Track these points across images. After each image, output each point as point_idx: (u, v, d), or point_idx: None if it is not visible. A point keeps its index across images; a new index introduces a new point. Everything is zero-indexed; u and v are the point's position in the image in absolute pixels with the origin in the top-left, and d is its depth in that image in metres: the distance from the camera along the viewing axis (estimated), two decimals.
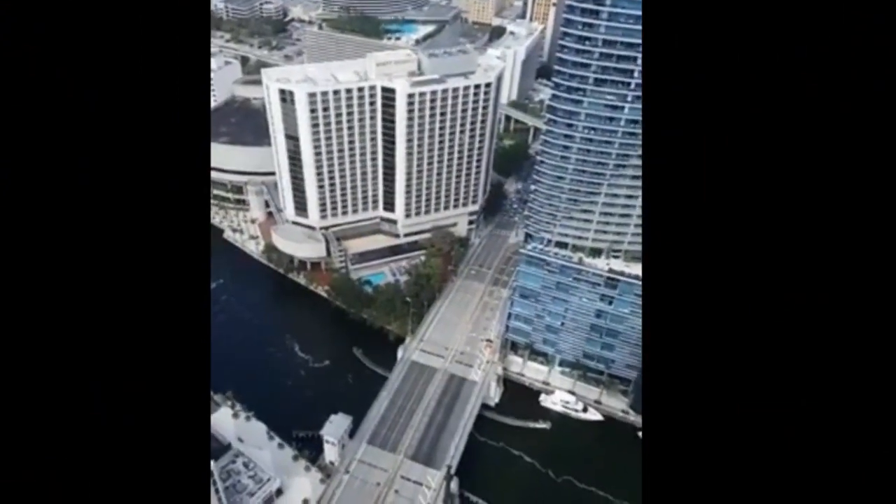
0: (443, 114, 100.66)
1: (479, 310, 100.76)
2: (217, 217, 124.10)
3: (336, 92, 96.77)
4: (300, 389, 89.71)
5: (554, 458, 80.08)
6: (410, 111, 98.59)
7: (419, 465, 75.42)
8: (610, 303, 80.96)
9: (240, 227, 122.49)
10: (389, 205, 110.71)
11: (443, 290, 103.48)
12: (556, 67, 71.69)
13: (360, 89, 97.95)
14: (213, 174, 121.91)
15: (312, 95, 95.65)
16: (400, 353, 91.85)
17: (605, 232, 79.35)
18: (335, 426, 75.65)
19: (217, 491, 65.59)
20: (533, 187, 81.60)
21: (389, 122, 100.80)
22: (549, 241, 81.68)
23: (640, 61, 65.86)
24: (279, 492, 72.51)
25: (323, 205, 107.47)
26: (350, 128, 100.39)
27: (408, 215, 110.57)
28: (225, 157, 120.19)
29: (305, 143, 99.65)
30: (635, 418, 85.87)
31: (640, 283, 77.62)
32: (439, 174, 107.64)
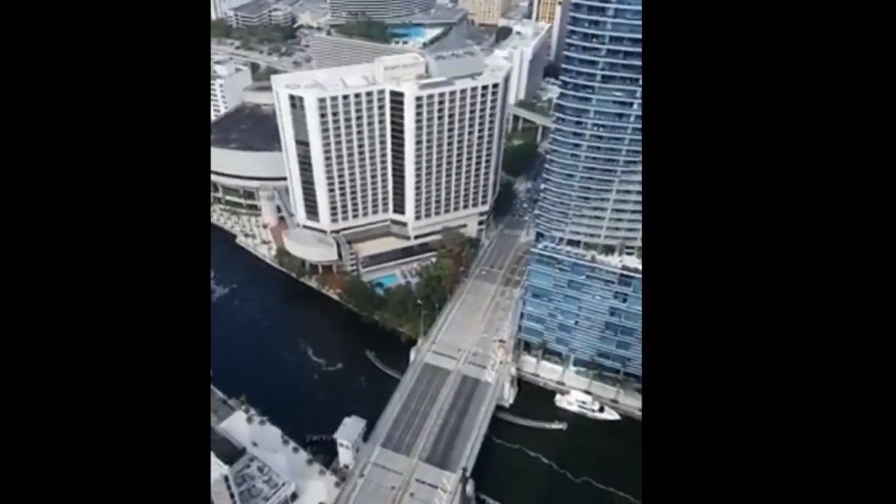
0: (451, 115, 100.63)
1: (491, 310, 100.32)
2: (229, 222, 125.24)
3: (345, 96, 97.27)
4: (314, 393, 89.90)
5: (571, 459, 79.27)
6: (419, 114, 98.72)
7: (434, 467, 75.07)
8: (624, 300, 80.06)
9: (252, 232, 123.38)
10: (399, 207, 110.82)
11: (454, 292, 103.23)
12: (564, 66, 71.18)
13: (369, 93, 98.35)
14: (225, 180, 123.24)
15: (322, 100, 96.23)
16: (412, 356, 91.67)
17: (617, 229, 78.52)
18: (349, 429, 75.65)
19: (232, 496, 65.82)
20: (543, 186, 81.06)
21: (398, 125, 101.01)
22: (561, 239, 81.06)
23: None
24: (294, 496, 72.62)
25: (334, 208, 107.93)
26: (359, 131, 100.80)
27: (418, 217, 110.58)
28: (236, 162, 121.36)
29: (315, 148, 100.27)
30: None
31: None
32: (448, 175, 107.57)
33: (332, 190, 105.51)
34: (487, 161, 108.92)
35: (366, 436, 77.21)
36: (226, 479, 64.71)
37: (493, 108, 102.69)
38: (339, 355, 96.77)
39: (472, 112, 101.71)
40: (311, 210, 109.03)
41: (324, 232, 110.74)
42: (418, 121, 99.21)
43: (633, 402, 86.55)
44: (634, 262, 78.64)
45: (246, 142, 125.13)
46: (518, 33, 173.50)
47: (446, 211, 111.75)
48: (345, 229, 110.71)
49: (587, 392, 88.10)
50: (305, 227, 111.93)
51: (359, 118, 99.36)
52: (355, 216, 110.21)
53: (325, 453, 77.95)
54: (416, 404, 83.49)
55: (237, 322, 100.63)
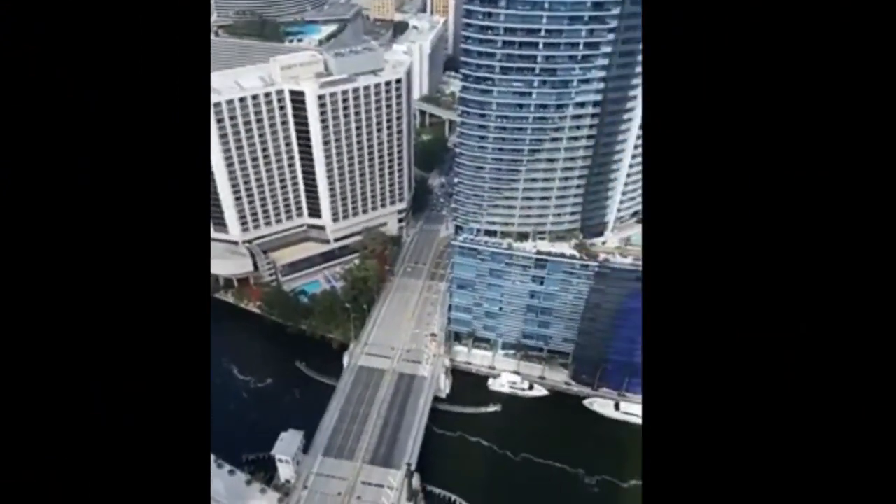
0: (357, 113, 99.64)
1: (419, 306, 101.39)
2: None
3: (242, 99, 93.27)
4: (245, 412, 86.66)
5: (509, 439, 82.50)
6: (323, 113, 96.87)
7: (379, 467, 75.41)
8: (541, 283, 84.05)
9: None
10: (315, 211, 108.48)
11: (381, 291, 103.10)
12: (463, 59, 72.69)
13: (268, 94, 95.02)
14: None
15: (217, 105, 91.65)
16: (346, 360, 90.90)
17: (528, 216, 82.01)
18: (286, 443, 73.97)
19: None
20: (456, 179, 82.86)
21: (303, 125, 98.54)
22: (479, 230, 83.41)
23: (541, 46, 68.30)
24: None
25: (243, 217, 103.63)
26: (262, 135, 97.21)
27: (335, 219, 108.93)
28: None
29: (216, 156, 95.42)
30: (578, 389, 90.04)
31: (566, 260, 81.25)
32: (362, 175, 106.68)
33: (238, 198, 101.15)
34: (400, 158, 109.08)
35: (305, 447, 75.89)
36: None
37: (398, 103, 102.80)
38: (268, 370, 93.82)
39: (377, 109, 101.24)
40: (219, 221, 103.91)
41: (235, 243, 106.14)
42: (323, 120, 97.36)
43: (558, 377, 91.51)
44: (547, 245, 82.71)
45: None
46: (415, 27, 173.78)
47: (364, 211, 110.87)
48: (258, 238, 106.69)
49: (516, 373, 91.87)
50: (214, 240, 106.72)
51: (259, 121, 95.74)
52: (268, 224, 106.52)
53: (264, 471, 75.72)
54: (355, 408, 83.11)
55: None
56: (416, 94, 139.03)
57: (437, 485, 76.72)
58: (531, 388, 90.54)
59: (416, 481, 73.93)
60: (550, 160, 77.00)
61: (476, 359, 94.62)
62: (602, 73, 70.49)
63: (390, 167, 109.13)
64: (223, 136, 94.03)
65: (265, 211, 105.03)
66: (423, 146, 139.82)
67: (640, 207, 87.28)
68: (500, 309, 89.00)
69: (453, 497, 75.63)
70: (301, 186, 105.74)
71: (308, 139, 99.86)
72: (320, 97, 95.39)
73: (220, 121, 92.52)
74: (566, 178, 79.09)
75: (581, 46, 68.40)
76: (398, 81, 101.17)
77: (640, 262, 79.02)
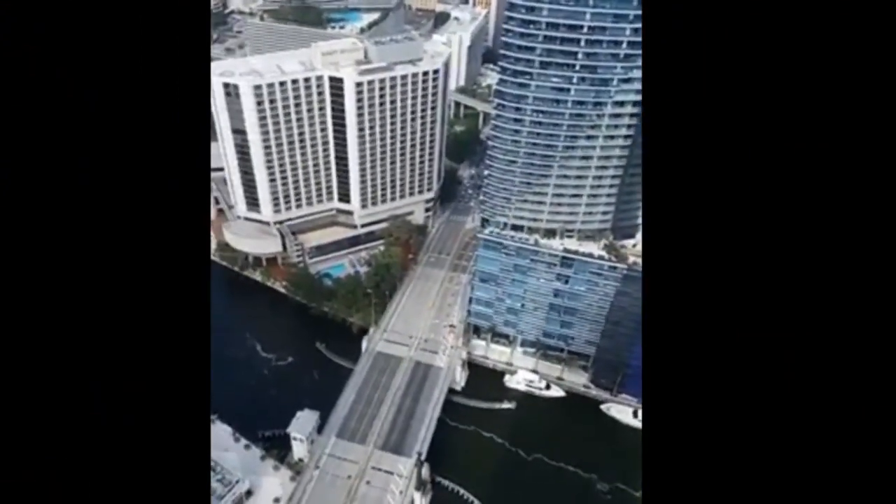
0: (392, 102, 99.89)
1: (440, 296, 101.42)
2: None
3: (282, 83, 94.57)
4: (264, 389, 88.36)
5: (523, 437, 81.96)
6: (360, 100, 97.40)
7: (389, 454, 75.89)
8: (566, 282, 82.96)
9: None
10: (344, 196, 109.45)
11: (403, 279, 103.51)
12: (502, 52, 72.10)
13: (307, 80, 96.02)
14: None
15: (258, 88, 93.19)
16: (364, 345, 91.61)
17: (558, 213, 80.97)
18: (302, 423, 75.09)
19: None
20: (486, 172, 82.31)
21: (339, 111, 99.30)
22: (505, 224, 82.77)
23: (583, 43, 67.16)
24: (249, 493, 71.63)
25: (276, 199, 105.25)
26: (299, 119, 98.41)
27: (364, 205, 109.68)
28: None
29: (254, 137, 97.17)
30: (596, 392, 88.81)
31: (594, 261, 79.97)
32: (393, 163, 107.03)
33: (273, 180, 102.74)
34: (431, 148, 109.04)
35: (320, 428, 76.91)
36: None
37: (434, 93, 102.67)
38: (289, 349, 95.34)
39: (413, 98, 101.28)
40: (252, 201, 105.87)
41: (266, 223, 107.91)
42: (359, 107, 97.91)
43: (576, 379, 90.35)
44: (575, 244, 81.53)
45: None
46: (456, 19, 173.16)
47: (392, 199, 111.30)
48: (288, 220, 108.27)
49: (534, 371, 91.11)
50: (246, 219, 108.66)
51: (297, 105, 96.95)
52: (299, 206, 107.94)
53: (279, 448, 77.11)
54: (370, 393, 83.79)
55: None
56: (452, 85, 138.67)
57: (446, 476, 76.83)
58: (548, 387, 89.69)
59: (425, 471, 74.17)
60: (585, 158, 75.79)
61: (494, 354, 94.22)
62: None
63: (421, 157, 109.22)
64: (262, 118, 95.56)
65: (297, 193, 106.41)
66: (455, 137, 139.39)
67: None
68: (522, 305, 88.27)
69: (462, 491, 75.60)
70: (333, 171, 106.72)
71: (343, 125, 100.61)
72: (358, 84, 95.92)
73: (259, 103, 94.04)
74: (599, 178, 77.79)
75: (624, 45, 66.97)
76: (436, 72, 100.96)
77: None
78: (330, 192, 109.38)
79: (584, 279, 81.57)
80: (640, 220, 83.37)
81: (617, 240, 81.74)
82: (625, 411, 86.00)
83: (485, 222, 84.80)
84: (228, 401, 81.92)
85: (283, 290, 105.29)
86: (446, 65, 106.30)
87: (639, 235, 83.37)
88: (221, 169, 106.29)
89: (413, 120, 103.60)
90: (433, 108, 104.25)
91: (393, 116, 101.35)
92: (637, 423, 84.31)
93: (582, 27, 66.11)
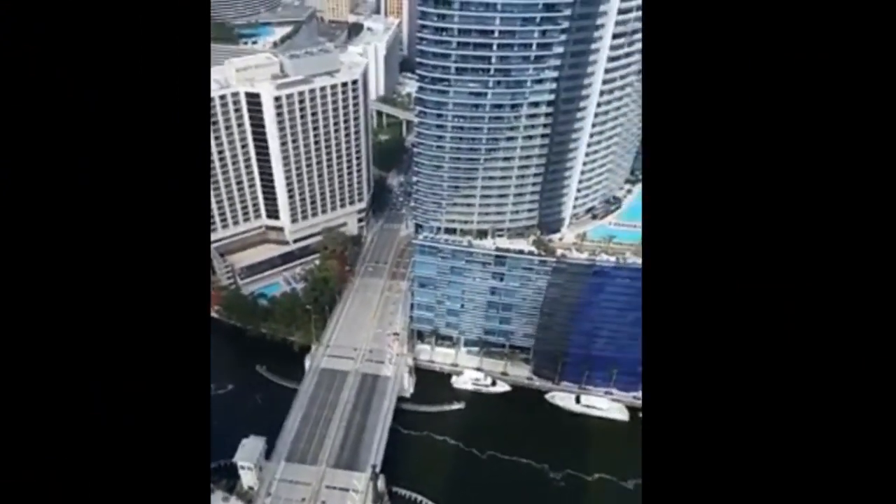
0: (314, 114, 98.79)
1: (381, 305, 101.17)
2: None
3: None
4: None
5: (474, 436, 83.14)
6: (280, 115, 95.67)
7: (343, 471, 74.92)
8: (501, 279, 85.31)
9: None
10: (273, 212, 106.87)
11: (343, 292, 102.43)
12: (418, 60, 73.07)
13: (223, 97, 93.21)
14: None
15: None
16: (307, 363, 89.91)
17: (487, 213, 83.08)
18: (248, 450, 72.72)
19: None
20: (415, 178, 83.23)
21: (259, 127, 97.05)
22: (439, 228, 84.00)
23: (495, 47, 69.39)
24: None
25: None
26: (217, 137, 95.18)
27: (294, 220, 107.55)
28: None
29: None
30: (539, 383, 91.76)
31: (525, 256, 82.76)
32: (320, 175, 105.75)
33: None
34: (358, 158, 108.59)
35: (267, 453, 74.72)
36: None
37: (355, 104, 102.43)
38: (228, 376, 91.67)
39: (334, 110, 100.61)
40: None
41: None
42: (280, 122, 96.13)
43: (520, 372, 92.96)
44: (506, 242, 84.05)
45: None
46: (369, 29, 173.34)
47: (323, 212, 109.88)
48: (214, 241, 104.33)
49: (479, 369, 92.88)
50: None
51: (215, 123, 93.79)
52: (224, 226, 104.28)
53: (226, 478, 74.22)
54: (317, 412, 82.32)
55: None
56: (372, 95, 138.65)
57: (403, 486, 76.73)
58: (494, 384, 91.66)
59: (381, 483, 73.84)
60: (507, 158, 78.29)
61: (439, 356, 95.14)
62: (555, 74, 72.11)
63: (349, 167, 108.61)
64: None
65: (221, 213, 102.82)
66: (381, 146, 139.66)
67: (594, 203, 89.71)
68: (462, 306, 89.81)
69: (420, 498, 75.80)
70: (258, 188, 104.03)
71: (264, 141, 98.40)
72: (276, 99, 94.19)
73: None
74: (522, 176, 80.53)
75: (534, 47, 69.80)
76: (354, 82, 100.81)
77: (595, 257, 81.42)
78: (257, 210, 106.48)
79: (517, 275, 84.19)
80: (563, 215, 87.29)
81: (544, 234, 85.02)
82: (567, 398, 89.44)
83: (418, 228, 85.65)
84: None
85: (215, 315, 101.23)
86: (364, 75, 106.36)
87: (564, 229, 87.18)
88: None
89: (336, 131, 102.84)
90: (356, 119, 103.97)
91: (315, 129, 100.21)
92: (580, 409, 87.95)
93: (493, 32, 68.30)
